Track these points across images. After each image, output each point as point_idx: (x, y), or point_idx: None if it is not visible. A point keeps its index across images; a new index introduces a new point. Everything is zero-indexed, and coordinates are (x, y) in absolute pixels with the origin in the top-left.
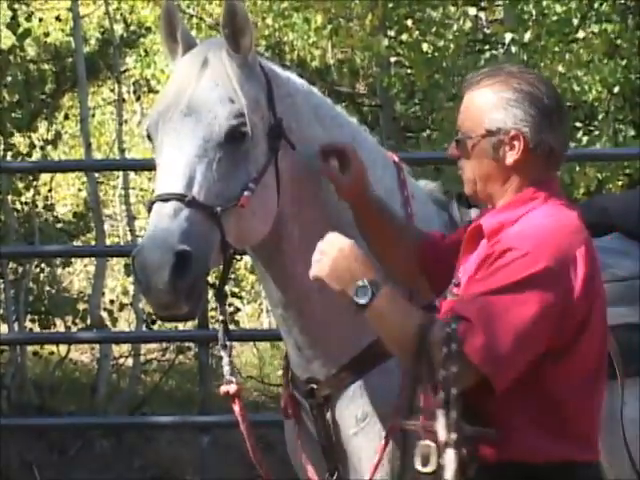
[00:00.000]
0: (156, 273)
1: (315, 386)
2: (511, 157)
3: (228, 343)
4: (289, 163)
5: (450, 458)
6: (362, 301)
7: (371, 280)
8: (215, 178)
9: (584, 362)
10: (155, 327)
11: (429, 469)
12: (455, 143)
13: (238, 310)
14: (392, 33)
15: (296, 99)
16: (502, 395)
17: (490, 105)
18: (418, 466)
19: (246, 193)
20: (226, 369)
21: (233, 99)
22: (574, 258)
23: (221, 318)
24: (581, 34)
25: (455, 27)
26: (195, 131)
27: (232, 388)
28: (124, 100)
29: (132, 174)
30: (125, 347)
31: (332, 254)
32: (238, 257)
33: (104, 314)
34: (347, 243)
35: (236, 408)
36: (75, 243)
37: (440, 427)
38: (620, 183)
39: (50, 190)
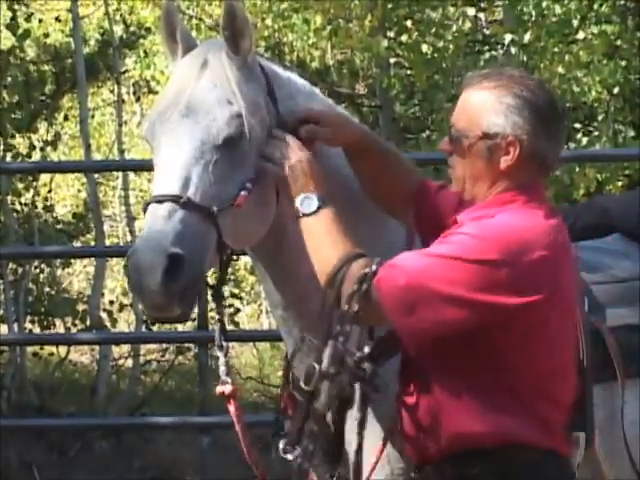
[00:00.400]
0: (148, 275)
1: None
2: (505, 162)
3: (224, 343)
4: None
5: (324, 388)
6: (306, 211)
7: (319, 195)
8: (212, 180)
9: (536, 358)
10: (155, 328)
11: (308, 389)
12: (449, 139)
13: (238, 311)
14: (392, 34)
15: (298, 100)
16: (455, 370)
17: (489, 108)
18: (301, 383)
19: (243, 193)
20: (222, 369)
21: (231, 101)
22: (525, 256)
23: (217, 318)
24: (581, 35)
25: (454, 28)
26: (193, 132)
27: (227, 389)
28: (124, 101)
29: (132, 175)
30: (125, 348)
31: (292, 160)
32: (237, 258)
33: (104, 315)
34: (307, 156)
35: (231, 409)
36: (75, 244)
37: (325, 356)
38: (620, 184)
39: (50, 191)
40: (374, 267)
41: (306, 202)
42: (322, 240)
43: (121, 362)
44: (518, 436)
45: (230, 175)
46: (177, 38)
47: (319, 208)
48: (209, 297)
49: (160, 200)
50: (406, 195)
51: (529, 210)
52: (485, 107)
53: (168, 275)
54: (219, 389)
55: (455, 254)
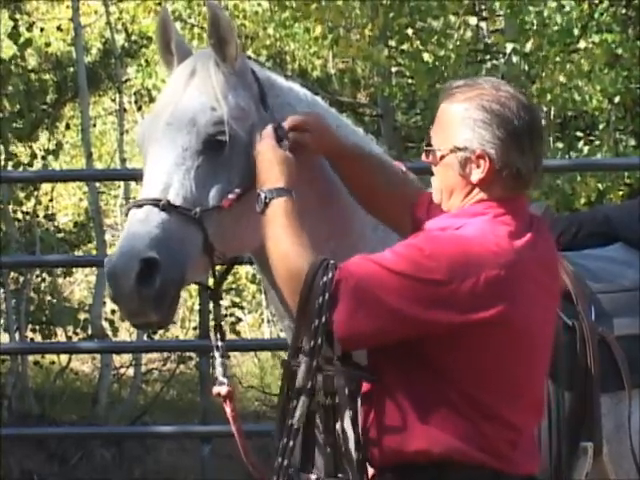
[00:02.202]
0: (122, 280)
1: None
2: (476, 175)
3: (220, 344)
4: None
5: (300, 404)
6: (266, 200)
7: (273, 188)
8: (193, 185)
9: (480, 377)
10: (156, 337)
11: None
12: (425, 152)
13: (239, 320)
14: (393, 43)
15: (296, 109)
16: (396, 383)
17: (459, 121)
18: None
19: (230, 196)
20: (219, 370)
21: (215, 107)
22: (472, 274)
23: (213, 318)
24: (582, 44)
25: (456, 37)
26: (175, 140)
27: (223, 389)
28: (125, 110)
29: (133, 184)
30: (126, 357)
31: (263, 154)
32: (239, 267)
33: (105, 324)
34: (277, 150)
35: (227, 409)
36: (76, 253)
37: (300, 373)
38: (621, 193)
39: (51, 200)
40: (330, 274)
41: (261, 197)
42: (279, 230)
43: (122, 371)
44: (453, 454)
45: (213, 180)
46: (172, 49)
47: (269, 199)
48: (210, 307)
49: (140, 204)
50: (403, 206)
51: (496, 225)
52: (455, 120)
53: (141, 280)
54: (215, 389)
55: (401, 269)
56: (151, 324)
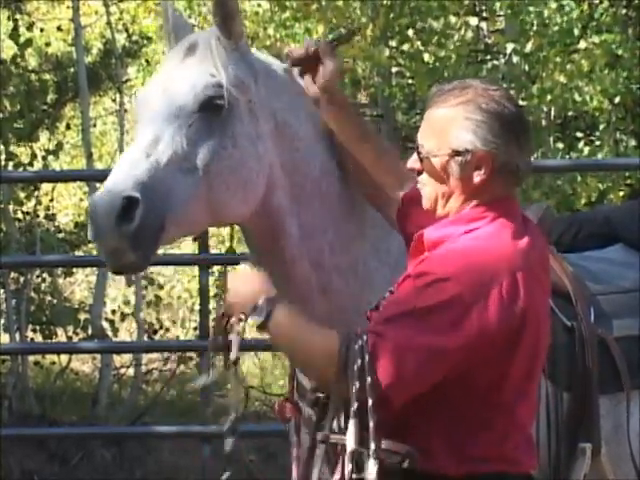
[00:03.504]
0: (103, 216)
1: (321, 395)
2: (477, 177)
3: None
4: (286, 157)
5: (370, 468)
6: (259, 318)
7: (266, 298)
8: (184, 141)
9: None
10: (157, 337)
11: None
12: (418, 159)
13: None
14: (393, 43)
15: (293, 97)
16: (423, 408)
17: (457, 125)
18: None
19: (217, 159)
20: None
21: (214, 74)
22: (494, 286)
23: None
24: (582, 45)
25: (456, 37)
26: (172, 98)
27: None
28: (126, 110)
29: None
30: (126, 357)
31: (235, 285)
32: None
33: (105, 324)
34: (246, 271)
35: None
36: (76, 253)
37: (349, 436)
38: (621, 193)
39: (51, 200)
40: (364, 338)
41: (257, 311)
42: (297, 338)
43: (123, 371)
44: (485, 466)
45: (205, 140)
46: (169, 30)
47: (270, 310)
48: (210, 307)
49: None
50: (394, 190)
51: (498, 229)
52: (453, 124)
53: (121, 217)
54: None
55: (426, 304)
56: (128, 266)
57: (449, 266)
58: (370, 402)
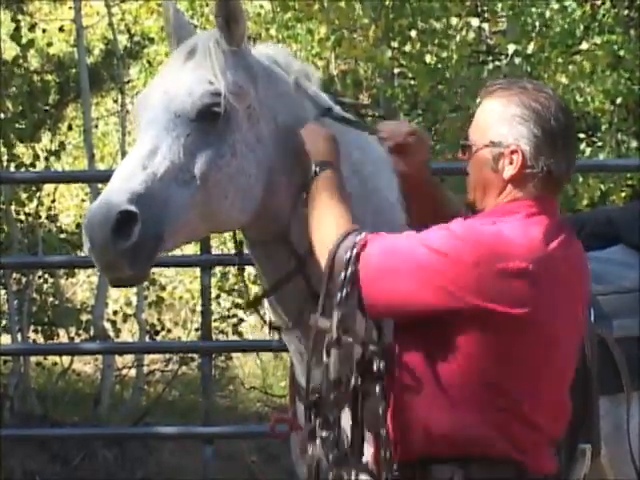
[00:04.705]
0: (98, 231)
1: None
2: (509, 171)
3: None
4: (286, 160)
5: (334, 354)
6: (309, 175)
7: (320, 161)
8: (182, 151)
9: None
10: (158, 338)
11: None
12: (461, 148)
13: (241, 321)
14: (395, 44)
15: (297, 101)
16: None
17: (497, 117)
18: (324, 357)
19: (215, 169)
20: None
21: (212, 81)
22: (504, 267)
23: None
24: (584, 45)
25: (458, 38)
26: (169, 106)
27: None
28: (128, 111)
29: None
30: (128, 358)
31: (309, 130)
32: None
33: (107, 325)
34: (328, 133)
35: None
36: (79, 254)
37: (333, 325)
38: (623, 194)
39: (53, 201)
40: (363, 235)
41: (318, 166)
42: (320, 202)
43: (124, 372)
44: (477, 440)
45: (203, 149)
46: (171, 29)
47: (315, 173)
48: (212, 308)
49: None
50: None
51: (529, 224)
52: (493, 116)
53: (117, 232)
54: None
55: (435, 246)
56: (125, 279)
57: (467, 229)
58: (344, 293)
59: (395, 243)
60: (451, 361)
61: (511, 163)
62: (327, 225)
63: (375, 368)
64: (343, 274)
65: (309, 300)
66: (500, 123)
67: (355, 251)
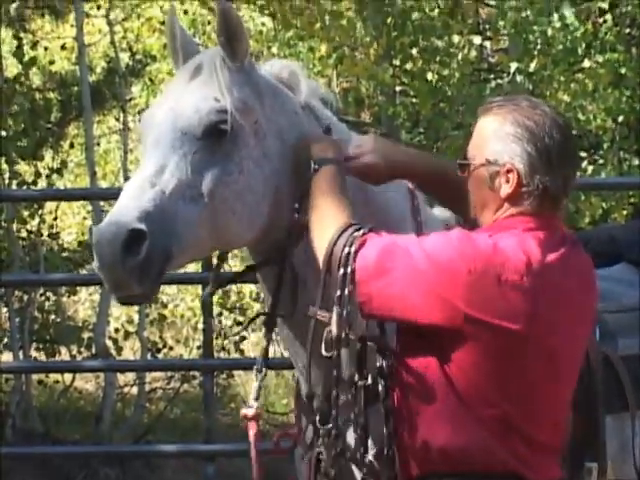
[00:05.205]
0: (107, 249)
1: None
2: (505, 189)
3: (264, 369)
4: (292, 175)
5: (344, 354)
6: (312, 167)
7: (320, 157)
8: (189, 169)
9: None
10: (160, 356)
11: (330, 354)
12: (459, 165)
13: (243, 339)
14: (397, 62)
15: (302, 118)
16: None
17: (492, 135)
18: (323, 351)
19: (222, 185)
20: (253, 394)
21: (219, 98)
22: (498, 277)
23: (264, 343)
24: (586, 63)
25: (460, 56)
26: (176, 124)
27: (250, 411)
28: (129, 129)
29: None
30: (130, 376)
31: (312, 135)
32: (242, 285)
33: (109, 343)
34: (335, 138)
35: (251, 432)
36: (80, 272)
37: (333, 322)
38: (625, 212)
39: (55, 218)
40: (362, 230)
41: (316, 162)
42: (321, 196)
43: (126, 390)
44: (475, 453)
45: (210, 167)
46: (177, 47)
47: (315, 169)
48: (214, 325)
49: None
50: None
51: (524, 237)
52: (489, 134)
53: (126, 250)
54: (243, 412)
55: (432, 253)
56: (134, 297)
57: (462, 238)
58: (347, 291)
59: (394, 245)
60: (448, 375)
61: (507, 181)
62: (325, 217)
63: (383, 368)
64: (342, 271)
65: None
66: (495, 141)
67: (354, 248)
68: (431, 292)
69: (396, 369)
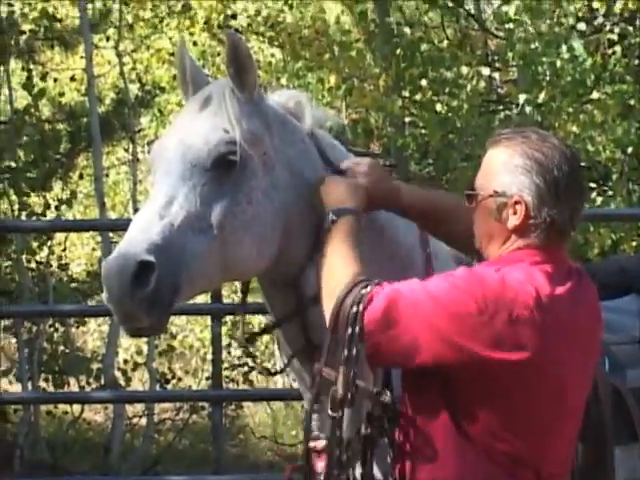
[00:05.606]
0: (116, 280)
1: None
2: (512, 221)
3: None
4: (302, 205)
5: (347, 414)
6: (327, 221)
7: (337, 208)
8: (198, 201)
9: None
10: (169, 386)
11: (335, 414)
12: (466, 196)
13: (252, 369)
14: (406, 93)
15: (310, 148)
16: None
17: (501, 167)
18: (329, 410)
19: (231, 216)
20: (315, 424)
21: (228, 130)
22: (507, 315)
23: (318, 378)
24: (595, 95)
25: (469, 87)
26: (185, 156)
27: (320, 443)
28: (138, 160)
29: None
30: (139, 407)
31: (330, 181)
32: (251, 317)
33: (118, 373)
34: (354, 181)
35: (321, 464)
36: (89, 302)
37: (339, 382)
38: (634, 243)
39: (64, 249)
40: (369, 288)
41: (334, 213)
42: (334, 247)
43: (135, 421)
44: None
45: (219, 198)
46: (187, 78)
47: (333, 221)
48: (223, 356)
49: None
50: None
51: (534, 272)
52: (497, 166)
53: (135, 282)
54: (312, 444)
55: (439, 296)
56: (143, 329)
57: (470, 278)
58: (354, 351)
59: (399, 294)
60: (453, 412)
61: (515, 213)
62: (335, 274)
63: (385, 419)
64: (350, 330)
65: (303, 346)
66: (504, 173)
67: (362, 306)
68: (440, 337)
69: (403, 415)
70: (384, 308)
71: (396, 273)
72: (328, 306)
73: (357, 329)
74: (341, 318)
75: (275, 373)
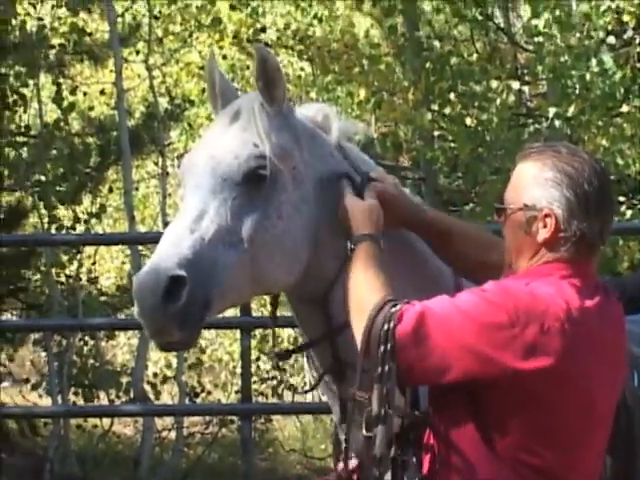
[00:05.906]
0: (148, 296)
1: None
2: (542, 234)
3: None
4: (332, 219)
5: (380, 431)
6: (349, 245)
7: (356, 236)
8: (229, 215)
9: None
10: (198, 400)
11: (370, 434)
12: (496, 210)
13: (281, 383)
14: (435, 107)
15: (338, 160)
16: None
17: (531, 180)
18: (363, 430)
19: (262, 230)
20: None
21: (257, 144)
22: (538, 327)
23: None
24: (625, 108)
25: (498, 101)
26: (216, 170)
27: (353, 463)
28: (168, 173)
29: None
30: (168, 420)
31: (349, 206)
32: (280, 330)
33: (147, 387)
34: (368, 204)
35: None
36: (119, 316)
37: (374, 400)
38: None
39: (94, 263)
40: (398, 306)
41: (353, 240)
42: (358, 273)
43: (164, 434)
44: None
45: (250, 212)
46: (216, 92)
47: (351, 249)
48: (252, 370)
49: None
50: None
51: (564, 285)
52: (527, 179)
53: (167, 296)
54: (344, 464)
55: (465, 309)
56: (175, 344)
57: (501, 291)
58: (387, 368)
59: (430, 310)
60: (485, 426)
61: (545, 227)
62: (363, 297)
63: (411, 438)
64: (383, 348)
65: (332, 366)
66: (534, 186)
67: (392, 324)
68: (470, 350)
69: (432, 431)
70: (414, 324)
71: (426, 289)
72: (358, 327)
73: (389, 346)
74: (373, 337)
75: (306, 392)
